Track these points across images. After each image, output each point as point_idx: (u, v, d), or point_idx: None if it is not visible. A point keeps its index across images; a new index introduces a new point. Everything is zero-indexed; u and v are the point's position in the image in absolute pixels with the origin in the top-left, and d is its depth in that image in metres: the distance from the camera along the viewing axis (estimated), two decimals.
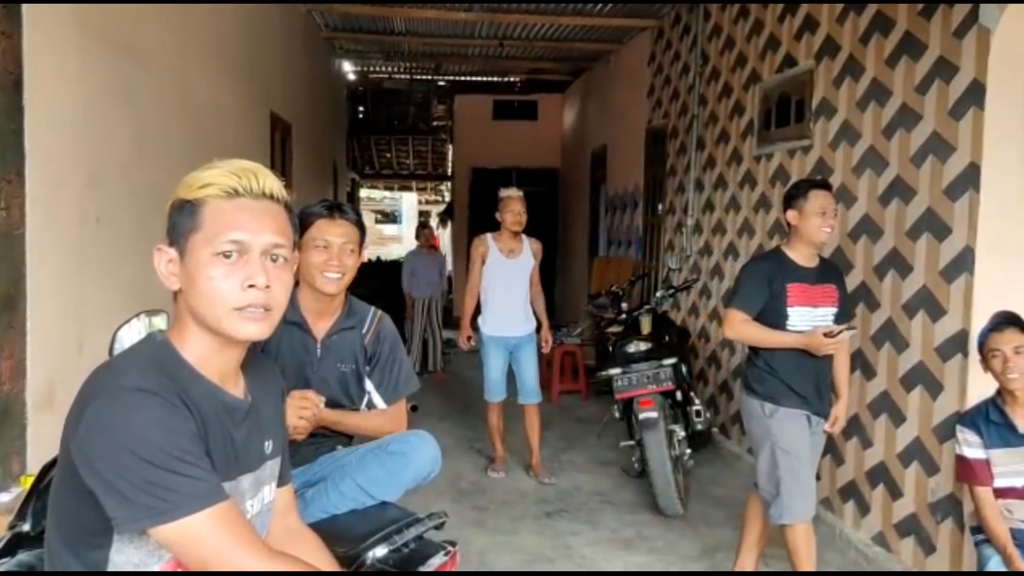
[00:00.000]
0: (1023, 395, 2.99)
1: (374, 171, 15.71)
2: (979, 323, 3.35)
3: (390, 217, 21.56)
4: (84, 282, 3.10)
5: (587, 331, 8.71)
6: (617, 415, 5.40)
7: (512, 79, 12.51)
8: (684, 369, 5.34)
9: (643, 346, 5.06)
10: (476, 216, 13.71)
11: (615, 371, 4.95)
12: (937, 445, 3.71)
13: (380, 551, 2.15)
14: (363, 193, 17.95)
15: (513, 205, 5.37)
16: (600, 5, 7.67)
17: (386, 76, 12.45)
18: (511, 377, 5.62)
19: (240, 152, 5.41)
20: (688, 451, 5.01)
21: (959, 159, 3.62)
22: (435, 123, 14.16)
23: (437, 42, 9.68)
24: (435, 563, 2.19)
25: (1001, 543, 2.94)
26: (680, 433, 4.93)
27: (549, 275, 13.47)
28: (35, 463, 2.68)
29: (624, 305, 6.01)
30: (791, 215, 3.43)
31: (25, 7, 2.58)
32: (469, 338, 5.62)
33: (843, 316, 3.50)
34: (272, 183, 1.42)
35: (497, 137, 13.19)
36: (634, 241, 8.75)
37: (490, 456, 5.84)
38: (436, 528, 2.34)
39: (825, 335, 3.30)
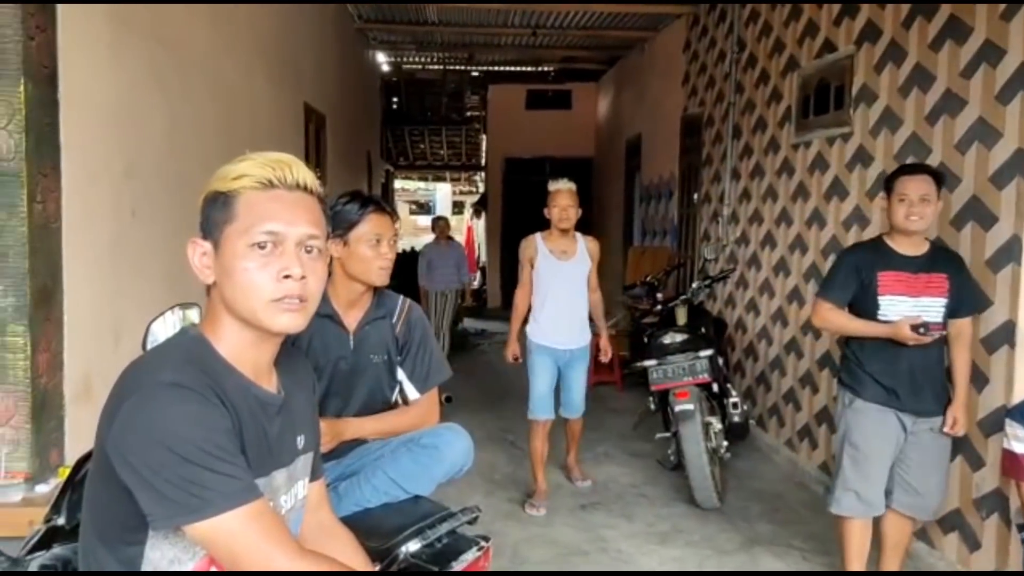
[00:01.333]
0: None
1: (408, 162, 15.73)
2: None
3: (424, 208, 21.60)
4: (120, 275, 3.12)
5: (622, 322, 8.64)
6: (652, 407, 5.34)
7: (545, 68, 12.44)
8: (720, 361, 5.27)
9: (679, 337, 4.99)
10: (510, 206, 13.70)
11: (651, 362, 4.89)
12: (983, 439, 3.62)
13: (413, 546, 2.13)
14: (397, 184, 18.00)
15: (560, 199, 4.74)
16: None
17: (419, 67, 12.43)
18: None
19: (273, 144, 5.43)
20: (725, 444, 4.94)
21: (1006, 145, 3.51)
22: (468, 113, 14.14)
23: (470, 31, 9.64)
24: (468, 558, 2.16)
25: None
26: (717, 425, 4.86)
27: None
28: (73, 455, 2.70)
29: (659, 295, 5.94)
30: (882, 202, 3.34)
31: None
32: (516, 358, 4.93)
33: (960, 307, 3.30)
34: (306, 174, 1.41)
35: (531, 127, 13.13)
36: (669, 231, 8.66)
37: (528, 490, 5.03)
38: (469, 523, 2.31)
39: (912, 327, 3.16)
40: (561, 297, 4.75)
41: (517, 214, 13.64)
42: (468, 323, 11.39)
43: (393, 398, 2.64)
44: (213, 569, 1.34)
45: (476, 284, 15.36)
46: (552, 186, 4.82)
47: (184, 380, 1.27)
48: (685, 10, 7.99)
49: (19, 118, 2.39)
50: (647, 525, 4.58)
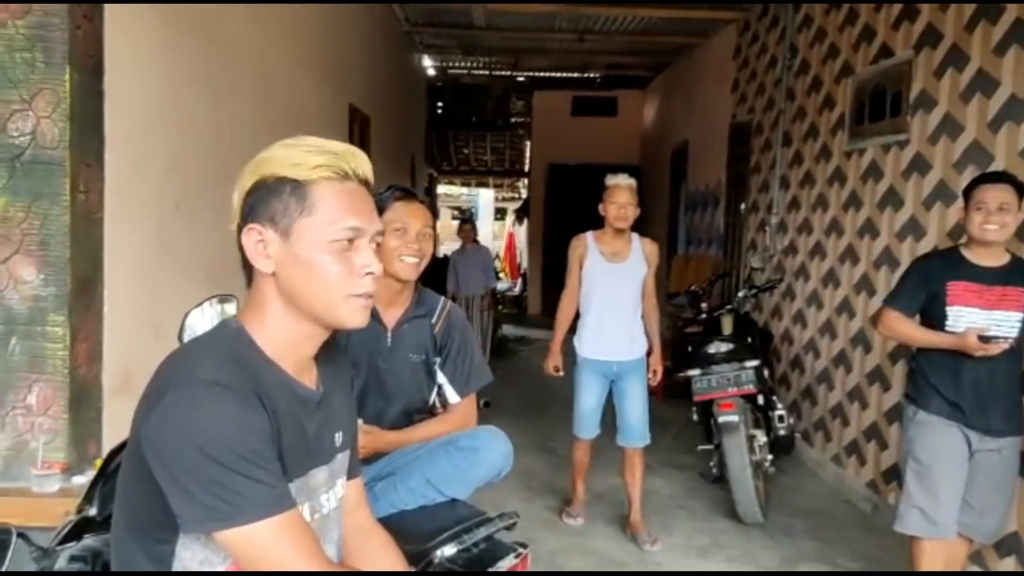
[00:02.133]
0: None
1: (451, 167, 15.74)
2: None
3: (466, 214, 21.66)
4: (161, 268, 3.11)
5: (664, 331, 8.51)
6: (695, 418, 5.23)
7: (591, 75, 12.37)
8: (766, 373, 5.14)
9: (724, 347, 4.88)
10: (552, 213, 13.62)
11: (694, 372, 4.79)
12: None
13: (449, 550, 2.07)
14: (440, 189, 18.03)
15: (617, 195, 4.28)
16: None
17: (465, 71, 12.44)
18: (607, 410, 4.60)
19: None
20: (769, 457, 4.82)
21: None
22: (513, 119, 14.11)
23: (516, 36, 9.61)
24: (505, 564, 2.09)
25: None
26: (761, 438, 4.74)
27: None
28: (110, 446, 2.68)
29: (703, 305, 5.82)
30: (960, 212, 3.22)
31: None
32: (557, 369, 4.56)
33: None
34: (369, 167, 1.38)
35: (575, 133, 13.05)
36: (715, 239, 8.53)
37: (566, 498, 4.88)
38: (507, 529, 2.25)
39: (980, 338, 3.03)
40: (610, 303, 4.35)
41: (560, 221, 13.56)
42: (508, 329, 11.34)
43: (432, 399, 2.58)
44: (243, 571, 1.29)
45: (517, 290, 15.33)
46: (610, 180, 4.38)
47: (224, 378, 1.23)
48: (736, 16, 7.87)
49: (64, 107, 2.39)
50: (686, 538, 4.47)
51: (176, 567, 1.27)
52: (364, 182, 1.36)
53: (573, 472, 4.74)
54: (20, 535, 1.63)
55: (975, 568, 3.82)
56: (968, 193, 3.17)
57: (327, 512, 1.45)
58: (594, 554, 4.22)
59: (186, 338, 2.03)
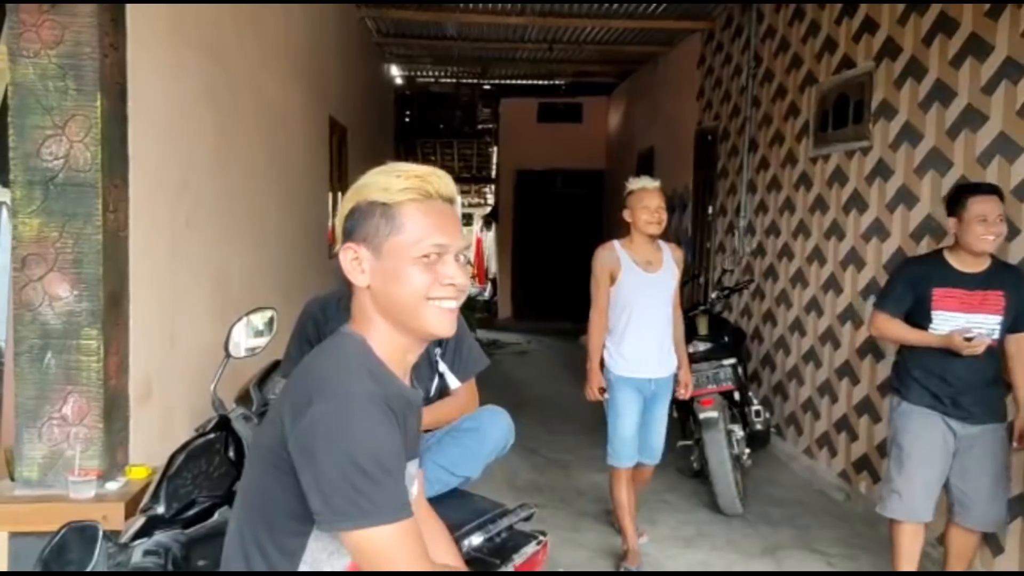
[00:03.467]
0: None
1: None
2: None
3: None
4: (176, 281, 3.23)
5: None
6: (674, 414, 5.44)
7: (557, 82, 12.58)
8: (740, 370, 5.37)
9: (702, 346, 5.09)
10: (521, 218, 13.83)
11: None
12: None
13: (476, 539, 2.24)
14: None
15: (648, 199, 4.01)
16: (652, 6, 7.70)
17: (432, 80, 12.58)
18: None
19: (305, 154, 5.58)
20: (747, 451, 5.04)
21: None
22: (480, 126, 14.27)
23: (486, 46, 9.77)
24: (528, 552, 2.27)
25: None
26: (739, 433, 4.97)
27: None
28: (137, 454, 2.81)
29: None
30: (951, 223, 3.36)
31: (129, 19, 2.71)
32: (603, 390, 4.16)
33: (1017, 323, 3.37)
34: (453, 187, 1.50)
35: (542, 140, 13.27)
36: (684, 243, 8.77)
37: (620, 551, 4.30)
38: (525, 519, 2.42)
39: (966, 338, 3.23)
40: (646, 316, 4.04)
41: (529, 226, 13.78)
42: (480, 334, 11.49)
43: (432, 390, 2.73)
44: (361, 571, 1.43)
45: (487, 295, 15.48)
46: (635, 184, 4.11)
47: (370, 393, 1.37)
48: (701, 26, 8.13)
49: (95, 131, 2.51)
50: (672, 530, 4.67)
51: (306, 557, 1.41)
52: (448, 200, 1.49)
53: (620, 519, 4.24)
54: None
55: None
56: (959, 202, 3.33)
57: (414, 499, 1.61)
58: (586, 547, 4.40)
59: (231, 349, 2.18)
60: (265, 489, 1.43)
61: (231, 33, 3.89)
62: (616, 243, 4.12)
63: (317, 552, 1.42)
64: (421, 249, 1.42)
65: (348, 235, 1.47)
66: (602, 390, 4.15)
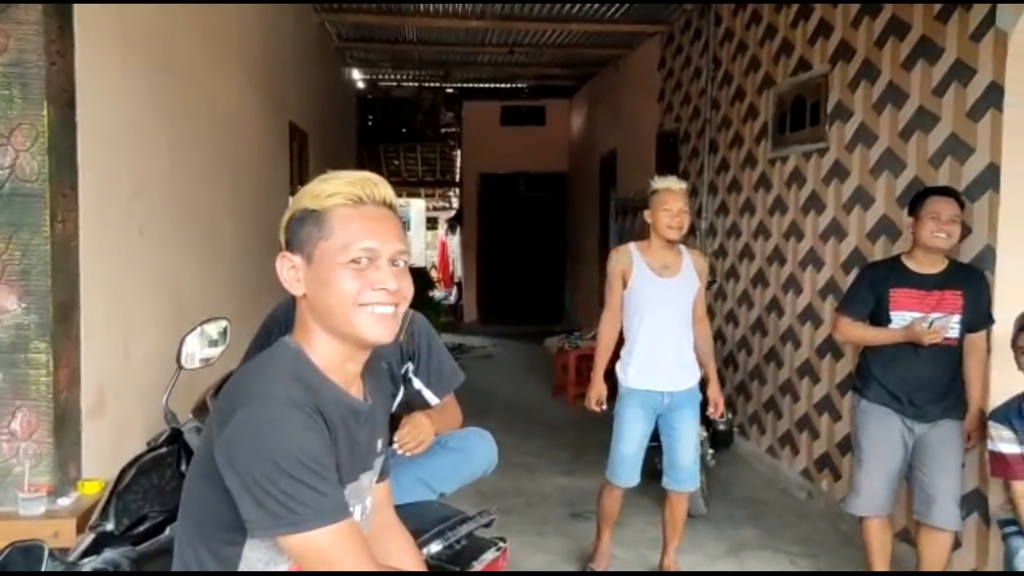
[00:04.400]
0: None
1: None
2: (1001, 321, 3.44)
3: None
4: (129, 292, 3.18)
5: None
6: None
7: (520, 85, 12.60)
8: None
9: None
10: (485, 221, 13.83)
11: None
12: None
13: (435, 547, 2.23)
14: None
15: (669, 200, 3.72)
16: (611, 10, 7.74)
17: (395, 84, 12.53)
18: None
19: (262, 160, 5.52)
20: (711, 451, 5.07)
21: (978, 160, 3.69)
22: (443, 130, 14.24)
23: (447, 50, 9.75)
24: (488, 558, 2.26)
25: None
26: (703, 433, 4.98)
27: (559, 279, 13.62)
28: (89, 468, 2.76)
29: None
30: (909, 220, 3.48)
31: (76, 27, 2.66)
32: (599, 402, 3.92)
33: (975, 322, 3.44)
34: (390, 192, 1.48)
35: (505, 143, 13.28)
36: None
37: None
38: (486, 525, 2.42)
39: (925, 326, 3.30)
40: (660, 324, 3.77)
41: (493, 229, 13.79)
42: (446, 338, 11.46)
43: (393, 407, 2.70)
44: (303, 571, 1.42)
45: (453, 299, 15.46)
46: (659, 183, 3.81)
47: (292, 397, 1.35)
48: (660, 28, 8.18)
49: (42, 140, 2.47)
50: (638, 532, 4.68)
51: (242, 567, 1.40)
52: (384, 205, 1.47)
53: (599, 521, 4.11)
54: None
55: (904, 545, 4.12)
56: (917, 204, 3.44)
57: (371, 513, 1.60)
58: (551, 552, 4.40)
59: (184, 360, 2.15)
60: (199, 500, 1.42)
61: (183, 40, 3.84)
62: (632, 245, 3.87)
63: (254, 561, 1.40)
64: (349, 254, 1.41)
65: (286, 244, 1.47)
66: (600, 402, 3.90)
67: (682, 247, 3.88)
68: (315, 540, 1.31)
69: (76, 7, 2.67)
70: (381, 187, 1.47)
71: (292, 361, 1.44)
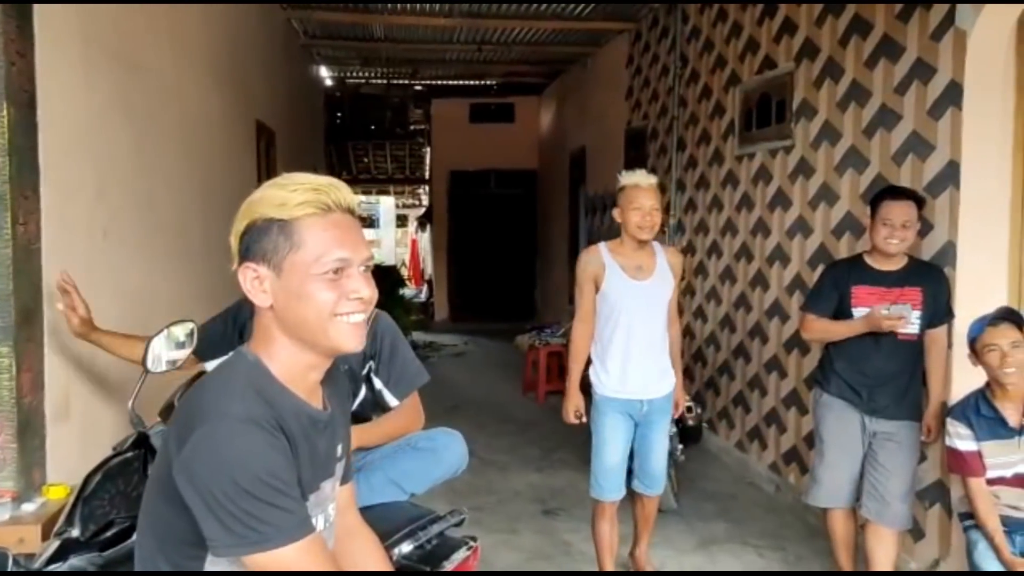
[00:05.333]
0: (1015, 390, 3.09)
1: (352, 176, 15.68)
2: (962, 316, 3.50)
3: (367, 222, 21.61)
4: (94, 294, 3.10)
5: (571, 331, 8.80)
6: None
7: (489, 82, 12.59)
8: None
9: None
10: (456, 219, 13.82)
11: None
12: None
13: (405, 547, 2.23)
14: None
15: (639, 198, 3.51)
16: (579, 7, 7.75)
17: (363, 82, 12.47)
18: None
19: (229, 160, 5.48)
20: (680, 447, 5.11)
21: (939, 157, 3.76)
22: (412, 127, 14.21)
23: (415, 48, 9.72)
24: (458, 558, 2.27)
25: (990, 533, 3.06)
26: (672, 429, 5.01)
27: (529, 276, 13.64)
28: (54, 474, 2.73)
29: None
30: (868, 221, 3.55)
31: (37, 26, 2.63)
32: (578, 414, 3.72)
33: (935, 318, 3.50)
34: (352, 197, 1.46)
35: (475, 140, 13.27)
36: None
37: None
38: (456, 525, 2.42)
39: (883, 312, 3.35)
40: (636, 329, 3.59)
41: (463, 227, 13.78)
42: (417, 336, 11.45)
43: (354, 406, 2.67)
44: None
45: (424, 297, 15.42)
46: (627, 179, 3.61)
47: (251, 413, 1.33)
48: (628, 27, 8.21)
49: (2, 141, 2.43)
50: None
51: None
52: (348, 211, 1.44)
53: (598, 552, 3.88)
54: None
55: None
56: (875, 205, 3.49)
57: (334, 519, 1.59)
58: (522, 550, 4.42)
59: (151, 363, 2.13)
60: (159, 514, 1.40)
61: (147, 39, 3.80)
62: (602, 246, 3.65)
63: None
64: (324, 266, 1.39)
65: (245, 254, 1.42)
66: (578, 413, 3.71)
67: (655, 244, 3.70)
68: (279, 557, 1.31)
69: (36, 6, 2.63)
70: (344, 192, 1.44)
71: (250, 374, 1.41)
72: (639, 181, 3.58)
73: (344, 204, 1.43)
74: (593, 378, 3.69)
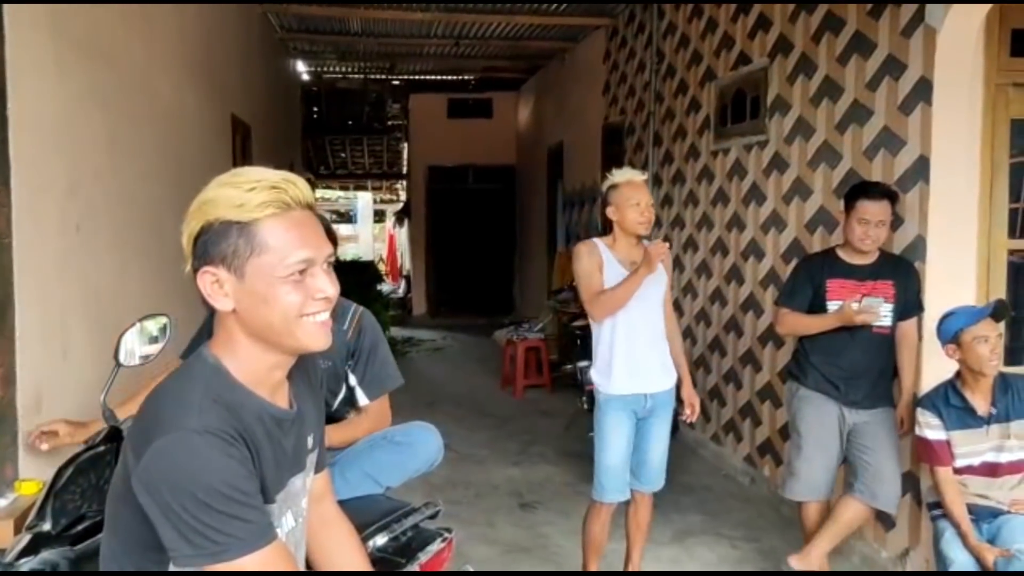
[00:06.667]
0: (986, 381, 3.17)
1: (329, 171, 15.62)
2: (931, 310, 3.55)
3: (345, 217, 21.50)
4: (66, 290, 3.12)
5: (549, 326, 8.84)
6: (586, 406, 5.50)
7: (466, 77, 12.58)
8: None
9: None
10: (434, 214, 13.81)
11: (585, 363, 5.07)
12: None
13: (380, 539, 2.25)
14: (318, 193, 17.85)
15: (637, 195, 3.48)
16: (555, 4, 7.78)
17: (340, 76, 12.41)
18: None
19: (204, 155, 5.45)
20: None
21: (910, 152, 3.81)
22: (390, 122, 14.13)
23: (392, 42, 9.70)
24: (433, 549, 2.28)
25: (957, 520, 3.12)
26: None
27: (507, 271, 13.66)
28: (26, 469, 2.71)
29: None
30: (841, 215, 3.60)
31: (6, 17, 2.60)
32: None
33: (906, 311, 3.56)
34: (310, 192, 1.42)
35: (453, 135, 13.27)
36: (593, 236, 8.88)
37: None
38: (431, 517, 2.44)
39: (855, 305, 3.41)
40: (637, 324, 3.55)
41: (441, 222, 13.77)
42: (395, 331, 11.44)
43: (335, 405, 2.66)
44: None
45: (401, 292, 15.39)
46: (620, 177, 3.56)
47: (210, 424, 1.30)
48: (605, 22, 8.24)
49: None
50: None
51: None
52: (307, 207, 1.40)
53: (584, 552, 3.80)
54: None
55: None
56: (850, 201, 3.53)
57: (307, 512, 1.57)
58: (499, 543, 4.44)
59: (123, 357, 2.12)
60: (122, 518, 1.39)
61: (119, 32, 3.77)
62: (598, 241, 3.61)
63: None
64: (288, 268, 1.35)
65: (201, 257, 1.37)
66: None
67: (645, 242, 3.63)
68: (239, 567, 1.30)
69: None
70: (302, 187, 1.40)
71: (209, 380, 1.38)
72: (632, 178, 3.55)
73: (303, 200, 1.39)
74: (595, 377, 3.66)
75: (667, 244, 3.50)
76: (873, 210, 3.46)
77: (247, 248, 1.35)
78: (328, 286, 1.40)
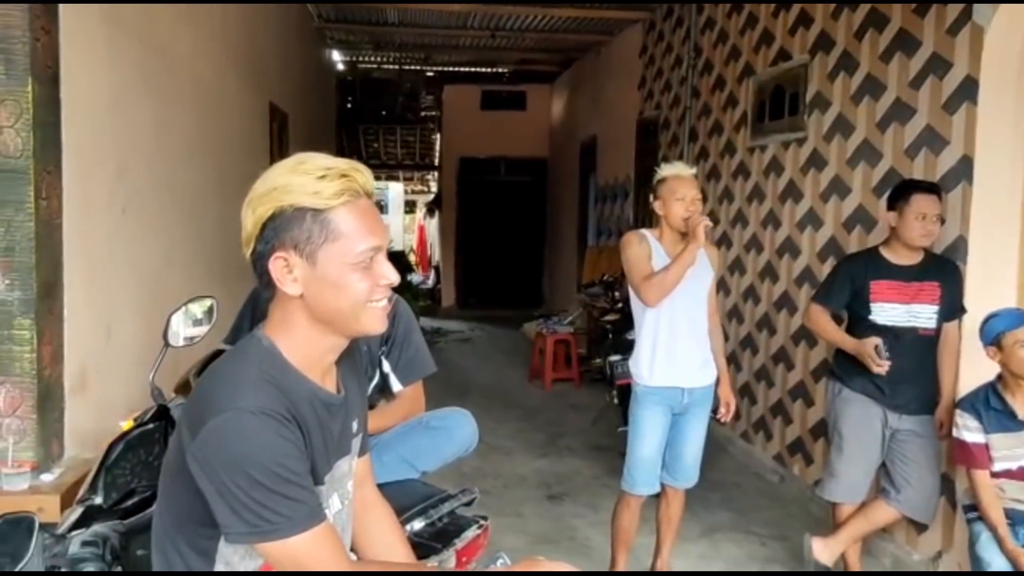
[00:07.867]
0: None
1: (361, 161, 15.72)
2: (973, 311, 3.52)
3: (377, 207, 21.68)
4: (112, 271, 3.18)
5: (578, 320, 8.84)
6: (615, 401, 5.51)
7: (500, 70, 12.59)
8: None
9: None
10: (464, 206, 13.85)
11: (616, 357, 5.07)
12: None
13: (417, 524, 2.28)
14: None
15: (683, 189, 3.44)
16: None
17: (375, 66, 12.48)
18: None
19: (243, 142, 5.51)
20: None
21: (952, 152, 3.76)
22: (423, 113, 14.22)
23: (428, 33, 9.73)
24: (469, 536, 2.31)
25: (994, 524, 3.09)
26: None
27: (537, 264, 13.67)
28: (72, 445, 2.77)
29: (616, 294, 6.11)
30: (891, 216, 3.49)
31: (60, 4, 2.66)
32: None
33: (950, 312, 3.52)
34: (372, 180, 1.46)
35: (485, 127, 13.28)
36: (625, 231, 8.86)
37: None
38: (467, 504, 2.47)
39: (876, 349, 3.34)
40: (680, 317, 3.49)
41: (472, 214, 13.81)
42: (424, 322, 11.50)
43: (368, 391, 2.71)
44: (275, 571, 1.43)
45: (431, 283, 15.45)
46: (668, 171, 3.53)
47: (264, 405, 1.34)
48: (642, 16, 8.20)
49: (26, 117, 2.47)
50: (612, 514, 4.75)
51: (218, 559, 1.41)
52: (369, 195, 1.45)
53: (613, 543, 3.76)
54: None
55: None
56: (900, 198, 3.47)
57: (352, 495, 1.61)
58: (527, 534, 4.46)
59: (170, 338, 2.17)
60: (174, 495, 1.42)
61: (166, 19, 3.83)
62: (646, 232, 3.57)
63: (229, 555, 1.41)
64: (359, 255, 1.39)
65: (270, 241, 1.39)
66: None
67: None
68: (289, 547, 1.33)
69: None
70: (368, 176, 1.44)
71: (264, 361, 1.41)
72: (680, 172, 3.51)
73: (368, 189, 1.44)
74: (633, 369, 3.61)
75: (707, 218, 3.40)
76: (930, 204, 3.41)
77: (321, 235, 1.38)
78: (392, 273, 1.44)
